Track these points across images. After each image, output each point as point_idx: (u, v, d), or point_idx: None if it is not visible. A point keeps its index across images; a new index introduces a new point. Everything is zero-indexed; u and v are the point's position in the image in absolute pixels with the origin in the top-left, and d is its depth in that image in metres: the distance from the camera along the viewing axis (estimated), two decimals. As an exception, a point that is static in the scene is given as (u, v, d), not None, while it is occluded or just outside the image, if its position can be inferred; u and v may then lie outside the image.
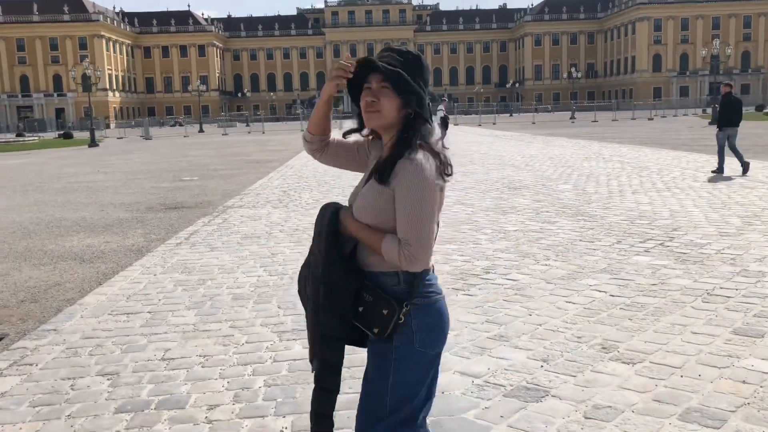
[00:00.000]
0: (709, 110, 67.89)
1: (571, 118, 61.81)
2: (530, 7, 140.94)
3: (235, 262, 7.38)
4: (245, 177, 17.93)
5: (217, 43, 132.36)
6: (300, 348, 4.51)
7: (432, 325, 2.15)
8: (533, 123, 54.59)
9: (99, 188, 16.49)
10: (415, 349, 2.13)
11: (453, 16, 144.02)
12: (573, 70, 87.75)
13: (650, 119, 55.20)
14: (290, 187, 14.91)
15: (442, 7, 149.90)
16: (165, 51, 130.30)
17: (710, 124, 41.83)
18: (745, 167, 13.98)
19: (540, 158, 20.53)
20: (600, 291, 5.64)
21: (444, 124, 22.51)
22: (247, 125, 75.85)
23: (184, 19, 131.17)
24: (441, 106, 25.59)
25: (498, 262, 6.85)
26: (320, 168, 19.43)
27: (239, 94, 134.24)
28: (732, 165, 14.29)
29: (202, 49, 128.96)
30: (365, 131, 2.26)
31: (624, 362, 4.08)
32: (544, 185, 13.20)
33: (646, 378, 3.84)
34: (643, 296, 5.44)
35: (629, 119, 56.29)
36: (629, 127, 44.19)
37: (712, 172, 14.30)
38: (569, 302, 5.35)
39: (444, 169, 2.09)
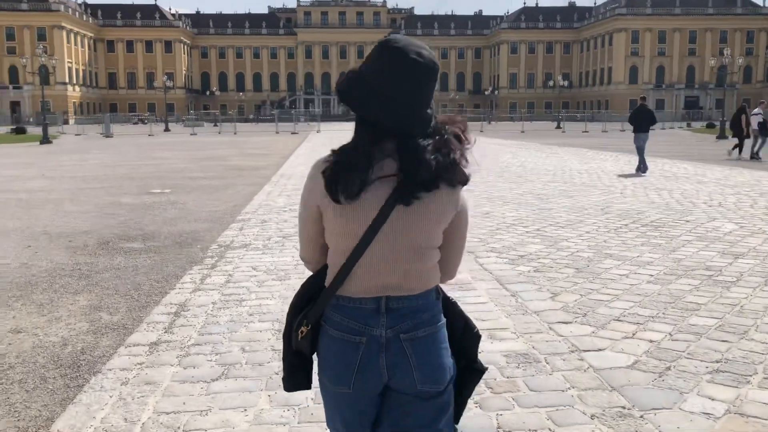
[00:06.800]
0: (705, 124, 64.87)
1: (558, 127, 58.44)
2: (506, 14, 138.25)
3: None
4: (233, 190, 13.69)
5: (185, 40, 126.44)
6: None
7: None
8: (522, 132, 50.92)
9: (36, 202, 12.10)
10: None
11: (428, 21, 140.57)
12: (560, 78, 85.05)
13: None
14: (303, 209, 10.73)
15: (417, 12, 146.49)
16: (129, 45, 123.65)
17: (718, 138, 37.17)
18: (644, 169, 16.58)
19: (600, 174, 16.80)
20: None
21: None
22: (215, 125, 70.82)
23: (150, 13, 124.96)
24: (759, 109, 22.85)
25: None
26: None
27: (207, 93, 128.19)
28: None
29: (168, 45, 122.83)
30: None
31: None
32: (688, 221, 9.25)
33: None
34: None
35: (618, 131, 51.18)
36: (628, 139, 40.49)
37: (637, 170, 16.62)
38: None
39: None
